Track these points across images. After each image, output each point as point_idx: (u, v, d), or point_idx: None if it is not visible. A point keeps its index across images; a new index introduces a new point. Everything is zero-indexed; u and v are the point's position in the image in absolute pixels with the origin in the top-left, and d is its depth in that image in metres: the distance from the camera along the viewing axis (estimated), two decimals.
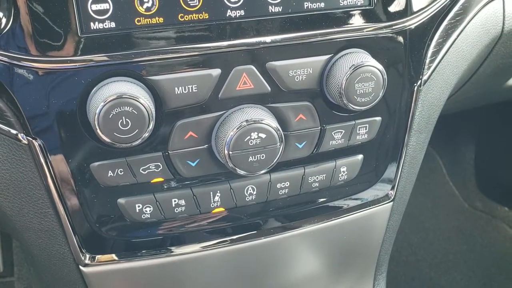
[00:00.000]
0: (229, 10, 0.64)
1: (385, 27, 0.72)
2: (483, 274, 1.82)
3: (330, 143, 0.75)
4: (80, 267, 0.74)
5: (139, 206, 0.70)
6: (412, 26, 0.74)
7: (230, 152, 0.67)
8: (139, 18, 0.62)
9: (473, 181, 1.94)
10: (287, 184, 0.76)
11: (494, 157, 1.91)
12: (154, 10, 0.62)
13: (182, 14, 0.63)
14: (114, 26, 0.61)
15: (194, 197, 0.72)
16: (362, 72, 0.68)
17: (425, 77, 0.79)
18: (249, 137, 0.67)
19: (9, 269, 1.50)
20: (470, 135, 1.93)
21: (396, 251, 1.87)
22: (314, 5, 0.67)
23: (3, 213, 0.71)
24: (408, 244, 1.92)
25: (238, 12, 0.65)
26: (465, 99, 1.19)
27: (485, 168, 1.91)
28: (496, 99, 1.48)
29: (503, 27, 0.90)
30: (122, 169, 0.67)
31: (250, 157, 0.68)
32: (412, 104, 0.80)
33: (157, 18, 0.62)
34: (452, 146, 1.97)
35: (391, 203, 0.88)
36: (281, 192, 0.77)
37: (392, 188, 0.87)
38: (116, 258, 0.74)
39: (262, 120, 0.67)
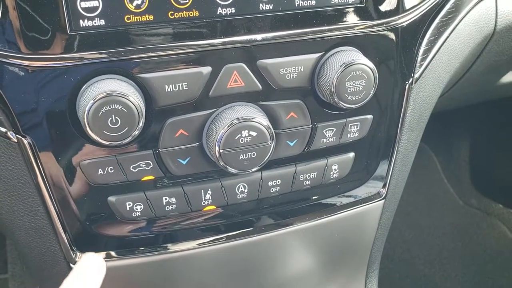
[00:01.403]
0: (219, 8, 0.64)
1: (377, 25, 0.72)
2: (477, 271, 1.82)
3: (322, 141, 0.75)
4: (71, 265, 0.74)
5: (129, 204, 0.70)
6: (404, 24, 0.74)
7: (221, 150, 0.67)
8: (129, 16, 0.61)
9: (468, 178, 1.94)
10: (278, 182, 0.76)
11: (489, 155, 1.92)
12: (144, 7, 0.62)
13: (173, 12, 0.63)
14: (103, 23, 0.61)
15: (185, 195, 0.72)
16: (353, 70, 0.68)
17: (416, 75, 0.79)
18: (240, 135, 0.67)
19: (2, 266, 1.49)
20: (465, 133, 1.93)
21: (391, 248, 1.87)
22: (305, 3, 0.67)
23: None
24: (402, 241, 1.92)
25: (229, 10, 0.64)
26: (458, 97, 1.19)
27: (480, 166, 1.92)
28: (489, 97, 1.48)
29: (495, 25, 0.90)
30: (112, 167, 0.67)
31: (241, 155, 0.68)
32: (404, 102, 0.80)
33: (147, 16, 0.62)
34: (447, 143, 1.97)
35: (383, 200, 0.88)
36: (272, 190, 0.77)
37: (384, 186, 0.87)
38: (106, 256, 0.74)
39: (253, 118, 0.67)
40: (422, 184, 2.00)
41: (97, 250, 0.73)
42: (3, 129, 0.64)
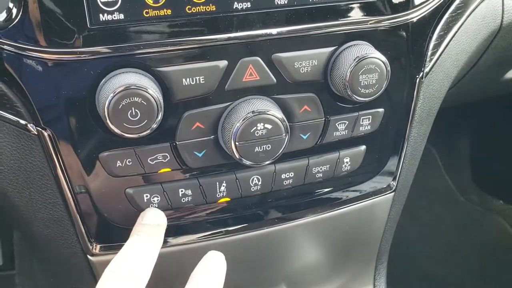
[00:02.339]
0: (235, 2, 0.65)
1: (388, 19, 0.73)
2: (478, 266, 1.84)
3: (334, 134, 0.76)
4: (88, 256, 0.75)
5: (147, 196, 0.71)
6: (414, 19, 0.75)
7: (237, 143, 0.68)
8: (147, 10, 0.62)
9: (469, 174, 1.95)
10: (291, 174, 0.77)
11: (490, 151, 1.93)
12: (162, 2, 0.62)
13: (190, 6, 0.63)
14: (122, 17, 0.61)
15: (201, 187, 0.73)
16: (366, 63, 0.69)
17: (426, 69, 0.80)
18: (255, 128, 0.68)
19: (9, 262, 1.49)
20: (466, 129, 1.94)
21: (392, 244, 1.88)
22: None
23: (11, 203, 0.72)
24: (404, 237, 1.93)
25: (245, 4, 0.65)
26: (464, 92, 1.21)
27: (480, 162, 1.93)
28: (493, 93, 1.50)
29: (502, 21, 0.92)
30: (130, 160, 0.68)
31: (256, 147, 0.69)
32: (414, 96, 0.81)
33: (165, 10, 0.63)
34: (448, 139, 1.98)
35: (393, 193, 0.89)
36: (285, 182, 0.78)
37: (394, 178, 0.88)
38: None
39: (267, 111, 0.68)
40: (423, 180, 2.00)
41: (114, 241, 0.74)
42: (23, 122, 0.64)
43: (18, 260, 1.43)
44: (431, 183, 2.02)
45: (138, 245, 0.65)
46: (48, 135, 0.65)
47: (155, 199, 0.72)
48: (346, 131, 0.77)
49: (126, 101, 0.60)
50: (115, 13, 0.61)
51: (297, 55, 0.69)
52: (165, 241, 0.76)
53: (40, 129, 0.65)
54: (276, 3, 0.67)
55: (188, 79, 0.65)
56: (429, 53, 0.79)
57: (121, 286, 0.59)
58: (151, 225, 0.68)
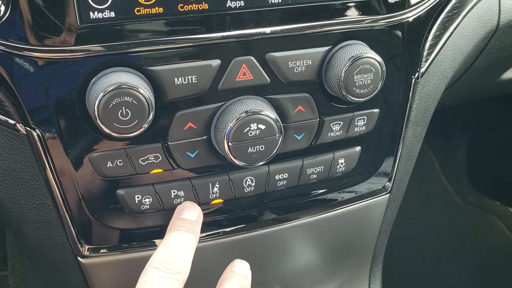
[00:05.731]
0: (229, 1, 0.64)
1: (384, 19, 0.72)
2: (475, 267, 1.84)
3: (329, 134, 0.76)
4: (79, 258, 0.74)
5: (138, 197, 0.70)
6: (410, 19, 0.75)
7: (230, 143, 0.67)
8: (138, 8, 0.61)
9: (466, 175, 1.95)
10: (285, 175, 0.76)
11: (487, 152, 1.93)
12: (153, 0, 0.62)
13: (182, 4, 0.62)
14: (113, 15, 0.60)
15: (193, 188, 0.72)
16: (361, 63, 0.68)
17: (422, 70, 0.80)
18: (248, 128, 0.67)
19: (2, 263, 1.49)
20: (463, 130, 1.94)
21: (389, 245, 1.88)
22: None
23: (1, 204, 0.71)
24: (400, 238, 1.93)
25: (238, 3, 0.64)
26: (460, 93, 1.20)
27: (477, 163, 1.93)
28: (489, 94, 1.50)
29: (498, 21, 0.91)
30: (121, 160, 0.67)
31: (250, 148, 0.68)
32: (410, 96, 0.81)
33: (156, 8, 0.62)
34: (445, 140, 1.98)
35: (388, 195, 0.89)
36: (279, 183, 0.77)
37: (389, 180, 0.87)
38: (114, 249, 0.74)
39: (261, 111, 0.67)
40: (420, 181, 2.01)
41: (104, 243, 0.73)
42: (12, 121, 0.63)
43: (11, 262, 1.42)
44: (428, 184, 2.02)
45: (179, 240, 0.65)
46: (37, 135, 0.64)
47: (147, 200, 0.71)
48: (341, 131, 0.76)
49: (116, 100, 0.59)
50: (106, 11, 0.60)
51: (291, 55, 0.68)
52: (157, 243, 0.75)
53: (29, 129, 0.64)
54: (270, 2, 0.66)
55: (180, 79, 0.64)
56: (425, 53, 0.79)
57: (165, 282, 0.59)
58: (189, 220, 0.68)
